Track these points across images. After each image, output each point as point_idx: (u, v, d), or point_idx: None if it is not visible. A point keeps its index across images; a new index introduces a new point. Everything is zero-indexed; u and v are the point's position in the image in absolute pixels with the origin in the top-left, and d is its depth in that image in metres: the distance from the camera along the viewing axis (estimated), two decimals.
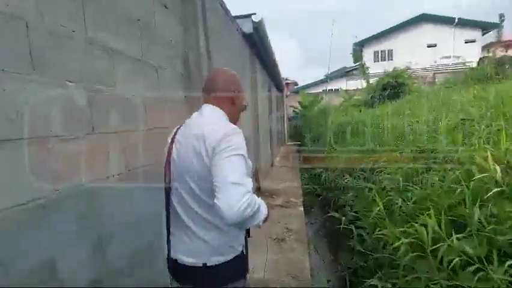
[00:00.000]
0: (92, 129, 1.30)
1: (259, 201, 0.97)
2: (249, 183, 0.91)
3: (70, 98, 1.19)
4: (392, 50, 21.92)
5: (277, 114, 11.25)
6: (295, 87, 24.61)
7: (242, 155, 0.95)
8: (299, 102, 15.90)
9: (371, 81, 12.87)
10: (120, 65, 1.50)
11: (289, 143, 14.13)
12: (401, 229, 1.96)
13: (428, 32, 21.02)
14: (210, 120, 1.05)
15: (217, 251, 1.03)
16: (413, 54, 19.70)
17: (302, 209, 4.28)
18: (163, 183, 1.11)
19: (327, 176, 4.82)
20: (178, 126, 1.17)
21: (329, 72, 9.10)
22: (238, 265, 1.10)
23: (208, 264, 1.02)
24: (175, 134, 1.14)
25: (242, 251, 1.11)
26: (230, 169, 0.90)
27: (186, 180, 1.02)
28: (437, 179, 2.31)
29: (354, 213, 3.29)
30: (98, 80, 1.35)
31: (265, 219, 1.03)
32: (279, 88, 12.58)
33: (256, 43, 4.92)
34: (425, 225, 1.70)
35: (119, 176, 1.47)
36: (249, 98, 4.70)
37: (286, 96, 19.11)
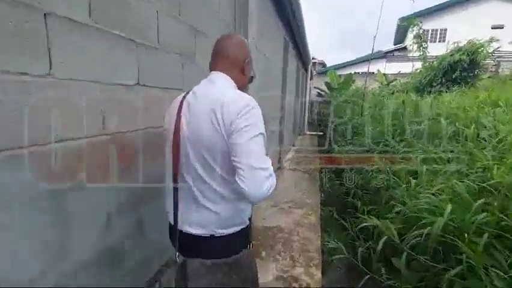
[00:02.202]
0: None
1: (274, 176, 0.94)
2: (270, 164, 0.92)
3: None
4: (445, 29, 18.07)
5: (296, 94, 8.58)
6: (323, 68, 21.35)
7: (262, 133, 0.93)
8: (326, 84, 13.01)
9: (417, 65, 9.68)
10: None
11: (309, 133, 11.47)
12: None
13: (493, 10, 16.97)
14: (223, 90, 0.99)
15: (225, 223, 1.01)
16: (472, 36, 15.77)
17: None
18: (168, 151, 1.04)
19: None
20: (184, 93, 1.08)
21: (373, 50, 6.33)
22: (244, 236, 1.08)
23: (215, 235, 1.00)
24: (182, 101, 1.04)
25: (248, 223, 1.10)
26: (254, 152, 0.88)
27: (200, 151, 0.96)
28: None
29: None
30: None
31: None
32: (303, 61, 9.78)
33: None
34: None
35: None
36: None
37: (311, 78, 16.17)
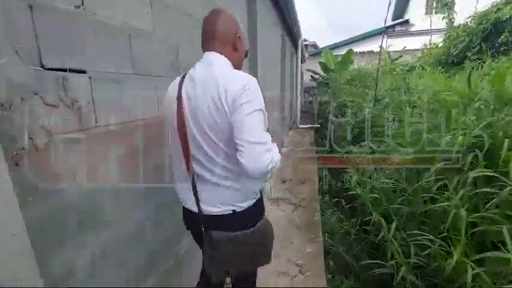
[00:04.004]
0: None
1: (276, 152, 0.98)
2: (269, 138, 0.95)
3: None
4: None
5: (282, 78, 6.47)
6: (315, 49, 19.07)
7: (261, 109, 0.94)
8: (321, 64, 10.90)
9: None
10: None
11: (303, 126, 9.44)
12: None
13: None
14: (222, 71, 0.98)
15: (241, 198, 1.05)
16: (483, 5, 13.61)
17: None
18: (173, 138, 1.06)
19: None
20: (180, 78, 1.07)
21: (386, 24, 4.58)
22: (259, 207, 1.13)
23: (236, 211, 1.05)
24: (180, 86, 1.04)
25: (260, 194, 1.14)
26: (252, 128, 0.90)
27: (205, 132, 0.97)
28: None
29: None
30: None
31: None
32: (291, 35, 7.63)
33: None
34: None
35: None
36: None
37: (303, 61, 13.98)
